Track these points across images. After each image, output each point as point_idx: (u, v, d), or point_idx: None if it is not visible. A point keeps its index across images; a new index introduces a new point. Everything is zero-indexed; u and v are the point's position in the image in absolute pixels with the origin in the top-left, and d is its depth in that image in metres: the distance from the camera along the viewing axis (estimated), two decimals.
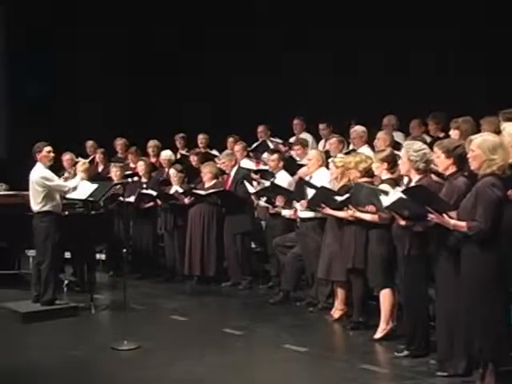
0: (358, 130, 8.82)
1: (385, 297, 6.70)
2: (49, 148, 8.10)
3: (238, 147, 10.41)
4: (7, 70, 14.58)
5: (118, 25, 13.79)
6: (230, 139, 11.05)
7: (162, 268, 10.30)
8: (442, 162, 5.63)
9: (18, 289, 9.02)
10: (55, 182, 8.04)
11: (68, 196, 8.31)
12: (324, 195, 7.32)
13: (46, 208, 7.91)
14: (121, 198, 9.32)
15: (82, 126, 13.48)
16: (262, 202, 9.10)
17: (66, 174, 9.04)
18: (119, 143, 12.05)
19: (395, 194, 5.89)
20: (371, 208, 6.49)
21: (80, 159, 10.74)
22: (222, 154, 10.14)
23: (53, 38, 14.09)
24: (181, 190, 9.96)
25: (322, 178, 7.94)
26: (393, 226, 6.11)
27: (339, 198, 7.05)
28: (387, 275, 6.63)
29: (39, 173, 7.97)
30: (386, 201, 5.97)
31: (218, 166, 10.04)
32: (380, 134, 8.40)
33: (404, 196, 5.59)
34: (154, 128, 12.30)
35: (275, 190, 8.63)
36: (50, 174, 8.04)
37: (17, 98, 14.30)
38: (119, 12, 13.88)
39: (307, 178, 8.11)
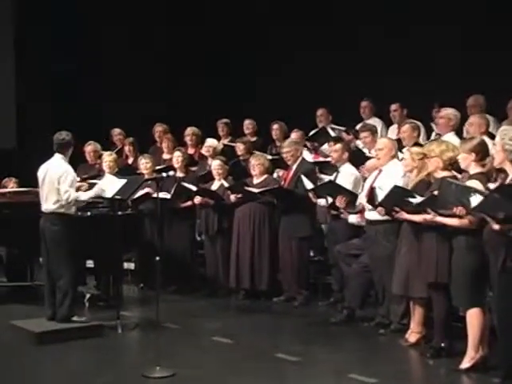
0: (448, 111, 8.65)
1: (473, 318, 6.54)
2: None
3: (295, 135, 10.20)
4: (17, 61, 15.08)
5: None
6: (275, 126, 10.90)
7: (202, 280, 10.36)
8: None
9: (32, 304, 9.05)
10: (71, 189, 7.93)
11: None
12: (398, 196, 7.21)
13: (62, 210, 7.93)
14: (154, 196, 9.36)
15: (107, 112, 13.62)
16: (322, 201, 9.05)
17: (86, 186, 8.93)
18: (158, 130, 11.80)
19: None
20: (460, 210, 6.31)
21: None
22: (287, 142, 9.86)
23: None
24: (226, 185, 9.93)
25: (395, 171, 7.91)
26: (484, 230, 6.01)
27: (413, 200, 6.97)
28: (476, 291, 6.52)
29: (65, 169, 7.95)
30: (474, 201, 5.92)
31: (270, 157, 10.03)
32: (474, 118, 8.27)
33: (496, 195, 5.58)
34: (190, 113, 12.33)
35: (335, 189, 8.62)
36: (74, 177, 8.02)
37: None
38: None
39: (376, 172, 8.12)
